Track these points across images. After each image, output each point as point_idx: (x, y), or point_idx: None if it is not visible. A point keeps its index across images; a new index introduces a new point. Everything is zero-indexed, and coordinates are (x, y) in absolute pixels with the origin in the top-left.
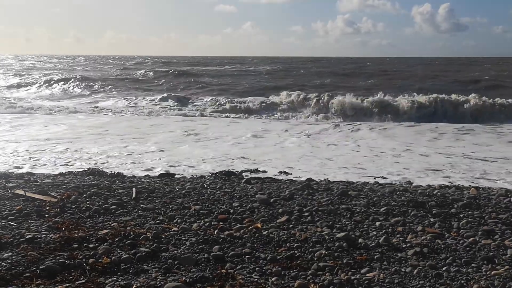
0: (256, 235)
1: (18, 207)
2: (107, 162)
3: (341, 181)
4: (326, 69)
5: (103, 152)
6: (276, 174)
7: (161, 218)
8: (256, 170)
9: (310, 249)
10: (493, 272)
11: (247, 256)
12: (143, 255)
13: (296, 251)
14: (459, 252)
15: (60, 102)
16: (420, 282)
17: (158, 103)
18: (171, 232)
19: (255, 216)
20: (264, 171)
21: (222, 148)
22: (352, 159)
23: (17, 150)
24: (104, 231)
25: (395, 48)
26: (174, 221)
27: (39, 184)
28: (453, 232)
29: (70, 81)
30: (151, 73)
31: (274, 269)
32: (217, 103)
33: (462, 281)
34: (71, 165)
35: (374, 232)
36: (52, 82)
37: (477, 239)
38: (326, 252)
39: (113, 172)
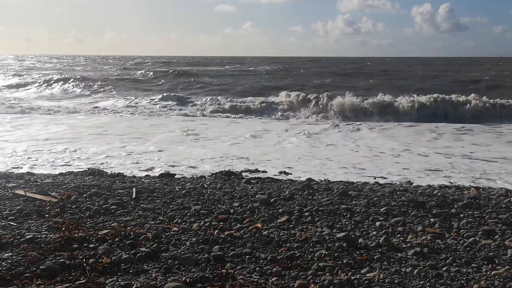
0: (256, 235)
1: (18, 207)
2: (107, 162)
3: (341, 181)
4: (326, 69)
5: (103, 152)
6: (276, 174)
7: (161, 218)
8: (256, 170)
9: (310, 249)
10: (493, 272)
11: (247, 256)
12: (143, 255)
13: (296, 251)
14: (459, 252)
15: (60, 102)
16: (420, 282)
17: (158, 103)
18: (171, 232)
19: (255, 216)
20: (264, 171)
21: (222, 148)
22: (352, 159)
23: (17, 150)
24: (104, 231)
25: (395, 48)
26: (174, 221)
27: (39, 184)
28: (453, 232)
29: (70, 81)
30: (151, 73)
31: (274, 269)
32: (217, 103)
33: (462, 281)
34: (71, 165)
35: (374, 232)
36: (52, 82)
37: (477, 239)
38: (326, 252)
39: (113, 172)
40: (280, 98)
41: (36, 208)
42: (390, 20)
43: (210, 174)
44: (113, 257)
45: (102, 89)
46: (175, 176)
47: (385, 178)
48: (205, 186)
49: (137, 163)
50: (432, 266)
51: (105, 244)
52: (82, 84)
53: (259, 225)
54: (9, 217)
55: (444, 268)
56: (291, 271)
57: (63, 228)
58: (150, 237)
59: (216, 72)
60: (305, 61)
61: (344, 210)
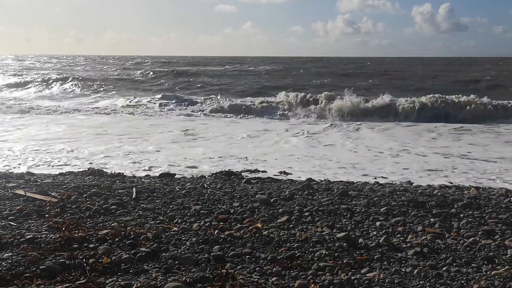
0: (257, 235)
1: (18, 207)
2: (107, 162)
3: (341, 181)
4: (326, 69)
5: (103, 152)
6: (276, 174)
7: (161, 218)
8: (256, 170)
9: (311, 249)
10: (493, 272)
11: (247, 256)
12: (143, 255)
13: (296, 251)
14: (459, 252)
15: (60, 102)
16: (420, 282)
17: (157, 102)
18: (172, 232)
19: (255, 216)
20: (264, 171)
21: (222, 148)
22: (352, 159)
23: (17, 150)
24: (104, 231)
25: (395, 48)
26: (175, 221)
27: (39, 184)
28: (453, 232)
29: (70, 81)
30: (151, 73)
31: (274, 269)
32: (217, 103)
33: (462, 281)
34: (71, 165)
35: (374, 232)
36: (51, 82)
37: (477, 239)
38: (326, 252)
39: (113, 172)
40: (280, 98)
41: (36, 208)
42: (390, 20)
43: (210, 174)
44: (113, 257)
45: (102, 89)
46: (175, 176)
47: (385, 178)
48: (205, 186)
49: (137, 163)
50: (432, 266)
51: (105, 244)
52: (82, 84)
53: (259, 225)
54: (9, 217)
55: (444, 268)
56: (291, 271)
57: (63, 228)
58: (150, 237)
59: (216, 72)
60: (305, 61)
61: (344, 210)
